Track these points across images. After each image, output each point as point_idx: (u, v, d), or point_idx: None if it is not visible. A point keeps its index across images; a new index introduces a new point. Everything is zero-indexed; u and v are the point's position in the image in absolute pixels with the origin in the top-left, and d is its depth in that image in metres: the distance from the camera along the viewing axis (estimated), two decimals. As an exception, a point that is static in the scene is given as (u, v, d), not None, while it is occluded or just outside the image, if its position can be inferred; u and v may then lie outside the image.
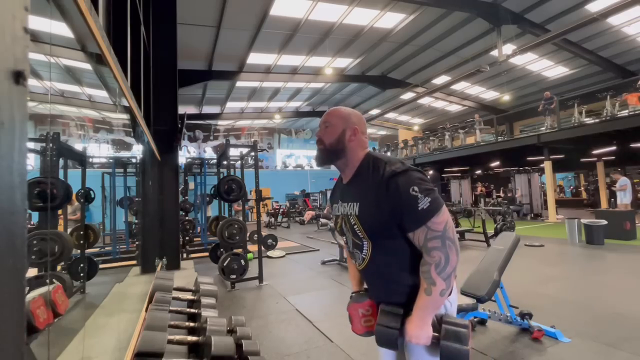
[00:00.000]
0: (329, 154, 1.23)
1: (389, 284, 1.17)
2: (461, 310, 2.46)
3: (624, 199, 9.33)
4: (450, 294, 1.15)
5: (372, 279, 1.24)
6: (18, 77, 0.42)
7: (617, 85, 10.65)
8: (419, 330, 1.06)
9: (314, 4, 8.22)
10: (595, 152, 12.43)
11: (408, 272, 1.13)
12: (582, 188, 20.49)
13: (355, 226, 1.17)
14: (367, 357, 2.58)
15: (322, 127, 1.24)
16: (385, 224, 1.10)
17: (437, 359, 1.11)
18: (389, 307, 1.15)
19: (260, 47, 10.31)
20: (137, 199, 6.82)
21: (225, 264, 4.54)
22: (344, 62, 12.06)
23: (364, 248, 1.19)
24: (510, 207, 9.43)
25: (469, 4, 8.88)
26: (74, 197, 4.22)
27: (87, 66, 3.54)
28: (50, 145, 2.80)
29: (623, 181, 9.47)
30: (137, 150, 6.36)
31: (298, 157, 21.32)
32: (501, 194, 15.26)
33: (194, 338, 2.09)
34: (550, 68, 12.86)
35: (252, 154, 5.21)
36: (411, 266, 1.12)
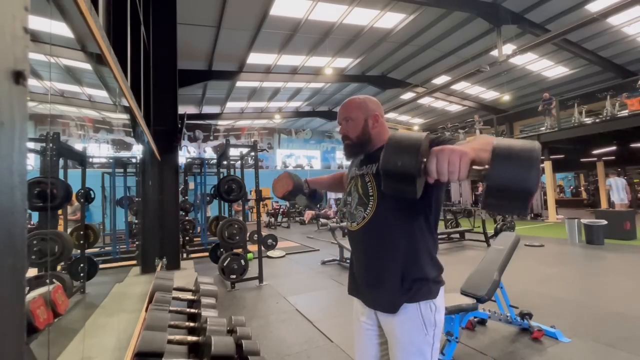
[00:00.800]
0: (358, 147, 1.25)
1: (383, 247, 1.15)
2: (461, 310, 2.46)
3: (617, 199, 9.33)
4: (437, 296, 1.11)
5: (366, 240, 1.20)
6: (18, 77, 0.42)
7: (617, 85, 10.65)
8: (458, 147, 0.77)
9: (314, 4, 8.21)
10: (595, 152, 12.43)
11: (406, 239, 1.11)
12: (582, 188, 20.49)
13: (369, 183, 1.17)
14: (367, 357, 2.57)
15: (344, 123, 1.25)
16: None
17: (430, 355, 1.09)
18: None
19: (260, 47, 10.30)
20: (137, 199, 6.82)
21: (225, 264, 4.54)
22: (344, 62, 12.05)
23: (369, 207, 1.17)
24: None
25: (469, 4, 8.88)
26: (74, 197, 4.22)
27: (87, 66, 3.54)
28: (50, 145, 2.80)
29: (607, 182, 9.52)
30: (137, 150, 6.36)
31: (298, 157, 21.31)
32: None
33: (194, 338, 2.09)
34: (550, 68, 12.85)
35: (252, 154, 5.21)
36: (411, 235, 1.11)
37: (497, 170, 0.69)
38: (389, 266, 1.13)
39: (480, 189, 15.66)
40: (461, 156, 0.73)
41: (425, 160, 0.78)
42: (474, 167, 0.75)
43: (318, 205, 1.77)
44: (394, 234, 1.13)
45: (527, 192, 0.68)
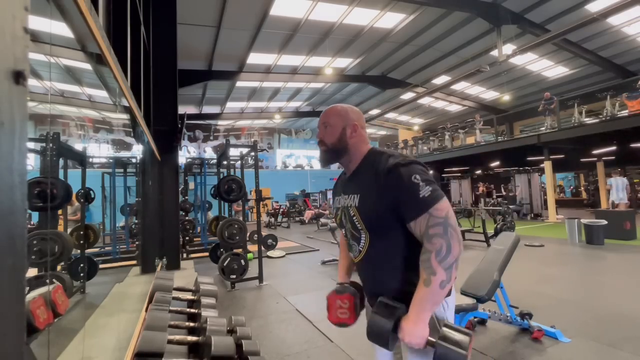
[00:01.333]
0: (333, 154, 1.23)
1: (384, 277, 1.16)
2: (461, 310, 2.46)
3: (617, 198, 9.45)
4: (449, 294, 1.13)
5: (368, 272, 1.22)
6: (18, 77, 0.42)
7: (617, 85, 10.65)
8: (414, 326, 1.00)
9: (314, 4, 8.22)
10: (595, 152, 12.43)
11: (404, 267, 1.12)
12: (582, 188, 20.49)
13: (355, 217, 1.17)
14: (366, 357, 2.58)
15: (322, 128, 1.24)
16: (384, 214, 1.09)
17: None
18: (388, 299, 1.09)
19: (260, 47, 10.31)
20: (137, 199, 6.82)
21: (225, 264, 4.54)
22: (344, 62, 12.06)
23: (362, 240, 1.18)
24: (510, 206, 9.46)
25: (469, 4, 8.88)
26: (74, 197, 4.22)
27: (87, 66, 3.54)
28: (50, 145, 2.80)
29: (608, 182, 9.70)
30: (137, 150, 6.36)
31: (298, 157, 21.32)
32: (502, 192, 15.32)
33: (194, 338, 2.09)
34: (550, 68, 12.86)
35: (252, 154, 5.21)
36: (407, 260, 1.11)
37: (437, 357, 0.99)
38: (393, 289, 1.14)
39: (480, 188, 15.67)
40: (419, 343, 1.01)
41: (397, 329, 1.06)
42: (430, 339, 1.01)
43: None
44: (394, 259, 1.13)
45: None
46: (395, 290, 1.13)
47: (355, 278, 1.35)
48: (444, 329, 1.02)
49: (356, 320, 1.29)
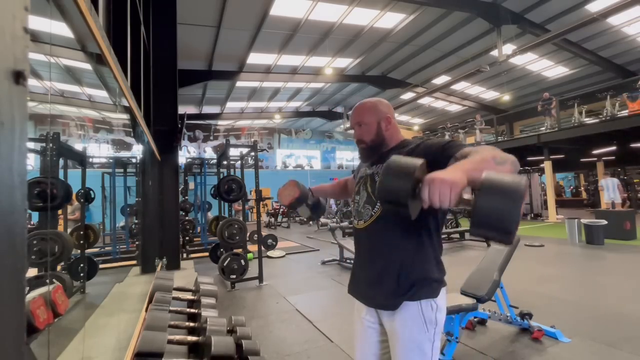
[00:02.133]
0: (373, 150, 1.27)
1: (388, 245, 1.16)
2: (461, 310, 2.46)
3: (608, 197, 9.83)
4: (437, 295, 1.12)
5: (372, 237, 1.22)
6: (18, 77, 0.42)
7: (617, 85, 10.65)
8: (448, 172, 0.81)
9: (314, 4, 8.21)
10: (595, 152, 12.43)
11: (413, 239, 1.13)
12: (582, 188, 20.48)
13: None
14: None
15: (357, 127, 1.27)
16: None
17: (430, 353, 1.09)
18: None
19: (260, 47, 10.30)
20: (137, 199, 6.82)
21: (225, 264, 4.54)
22: (344, 62, 12.05)
23: (377, 205, 1.19)
24: None
25: (469, 4, 8.88)
26: (74, 197, 4.22)
27: (87, 66, 3.54)
28: (50, 145, 2.80)
29: (600, 183, 10.13)
30: (137, 150, 6.36)
31: (298, 157, 21.31)
32: None
33: (194, 338, 2.09)
34: (550, 68, 12.85)
35: (252, 154, 5.21)
36: (418, 235, 1.12)
37: (480, 204, 0.74)
38: (391, 264, 1.14)
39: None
40: (451, 186, 0.77)
41: (420, 186, 0.83)
42: (464, 197, 0.79)
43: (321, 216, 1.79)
44: (401, 233, 1.14)
45: (504, 228, 0.73)
46: (397, 265, 1.13)
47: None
48: (485, 175, 0.78)
49: (290, 203, 1.50)
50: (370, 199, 1.22)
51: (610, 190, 9.87)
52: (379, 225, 1.18)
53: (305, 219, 14.91)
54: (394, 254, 1.15)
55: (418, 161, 0.85)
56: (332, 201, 17.54)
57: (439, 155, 1.02)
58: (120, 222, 7.94)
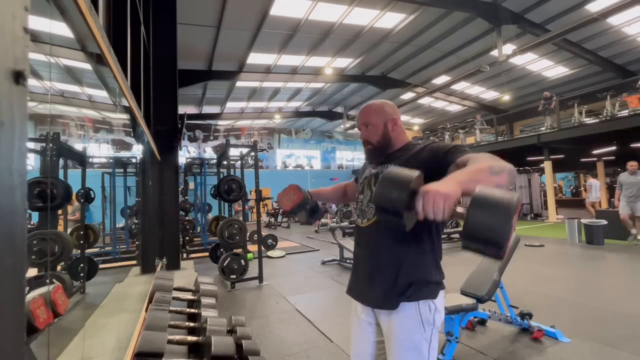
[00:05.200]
0: (379, 150, 1.28)
1: (389, 245, 1.17)
2: (461, 310, 2.46)
3: (594, 197, 10.76)
4: (436, 296, 1.13)
5: (374, 237, 1.22)
6: (18, 77, 0.42)
7: (617, 85, 10.65)
8: (442, 184, 0.82)
9: (314, 4, 8.21)
10: (595, 152, 12.42)
11: (414, 241, 1.13)
12: (582, 188, 20.47)
13: None
14: (367, 357, 2.57)
15: (363, 129, 1.28)
16: None
17: (427, 353, 1.09)
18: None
19: (260, 47, 10.30)
20: (137, 199, 6.82)
21: (225, 264, 4.54)
22: (344, 62, 12.05)
23: None
24: None
25: (469, 4, 8.88)
26: (74, 197, 4.21)
27: (87, 66, 3.54)
28: (50, 145, 2.80)
29: (588, 183, 11.12)
30: (137, 150, 6.36)
31: (298, 157, 21.31)
32: None
33: (194, 338, 2.09)
34: (550, 68, 12.85)
35: (252, 154, 5.21)
36: (419, 237, 1.13)
37: (472, 219, 0.75)
38: (391, 263, 1.15)
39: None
40: (445, 199, 0.78)
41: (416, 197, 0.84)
42: (458, 210, 0.80)
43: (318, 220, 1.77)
44: (402, 235, 1.13)
45: (495, 244, 0.73)
46: (397, 265, 1.13)
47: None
48: (478, 190, 0.79)
49: (291, 209, 1.48)
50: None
51: (597, 190, 10.75)
52: (381, 224, 1.19)
53: (301, 223, 14.93)
54: (394, 253, 1.15)
55: (414, 173, 0.86)
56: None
57: (442, 160, 1.05)
58: (120, 222, 7.93)
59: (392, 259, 1.15)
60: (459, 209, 0.80)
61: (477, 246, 0.78)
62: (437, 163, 1.05)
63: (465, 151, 1.02)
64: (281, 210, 14.65)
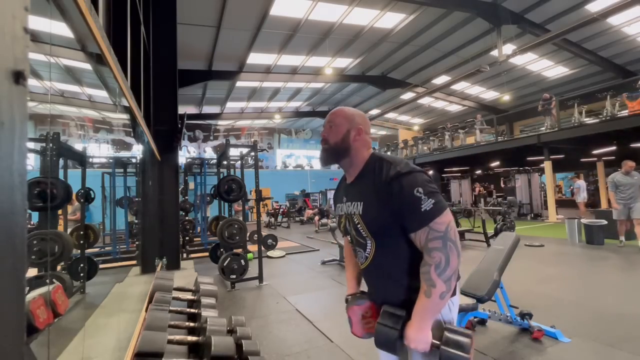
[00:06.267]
0: (334, 153, 1.24)
1: (390, 284, 1.17)
2: (461, 310, 2.46)
3: (581, 197, 11.21)
4: (454, 294, 1.14)
5: (374, 279, 1.24)
6: (18, 77, 0.42)
7: (617, 85, 10.64)
8: (418, 333, 1.04)
9: (314, 4, 8.22)
10: (595, 152, 12.42)
11: (410, 273, 1.12)
12: (570, 189, 20.44)
13: (359, 225, 1.17)
14: (367, 357, 2.58)
15: (327, 127, 1.26)
16: (388, 224, 1.10)
17: None
18: (392, 307, 1.13)
19: (260, 47, 10.31)
20: (136, 199, 6.82)
21: (225, 264, 4.54)
22: (344, 62, 12.06)
23: (367, 247, 1.19)
24: (508, 198, 9.71)
25: (469, 4, 8.88)
26: (74, 197, 4.21)
27: (87, 66, 3.54)
28: (50, 145, 2.80)
29: (577, 184, 11.56)
30: (137, 150, 6.36)
31: (298, 157, 21.32)
32: (502, 184, 15.47)
33: (194, 338, 2.09)
34: (550, 68, 12.86)
35: (252, 154, 5.21)
36: (413, 267, 1.11)
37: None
38: (402, 301, 1.13)
39: (477, 189, 15.66)
40: (420, 347, 1.05)
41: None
42: (434, 342, 1.05)
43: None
44: (400, 266, 1.14)
45: None
46: (402, 297, 1.14)
47: (363, 286, 1.36)
48: (446, 333, 1.05)
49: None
50: (359, 242, 1.21)
51: (584, 191, 11.34)
52: (375, 265, 1.19)
53: (297, 209, 14.77)
54: (402, 283, 1.14)
55: (399, 321, 1.10)
56: (332, 201, 17.54)
57: (408, 221, 1.07)
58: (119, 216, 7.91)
59: (404, 289, 1.14)
60: (435, 342, 1.05)
61: None
62: (402, 219, 1.07)
63: (422, 224, 1.03)
64: (281, 210, 14.68)
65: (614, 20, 9.20)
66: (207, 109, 16.40)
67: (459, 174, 16.80)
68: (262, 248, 5.14)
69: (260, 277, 4.78)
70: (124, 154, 7.99)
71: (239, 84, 12.77)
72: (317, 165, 21.51)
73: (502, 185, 15.22)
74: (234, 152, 6.64)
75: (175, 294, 2.76)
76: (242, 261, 4.66)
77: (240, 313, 3.55)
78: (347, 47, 10.67)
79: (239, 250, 4.94)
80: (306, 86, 14.01)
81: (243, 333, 2.12)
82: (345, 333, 2.94)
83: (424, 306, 1.04)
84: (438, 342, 1.04)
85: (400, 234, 1.10)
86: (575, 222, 7.20)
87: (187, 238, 7.19)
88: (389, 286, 1.17)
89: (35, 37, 1.49)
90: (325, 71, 11.82)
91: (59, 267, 3.06)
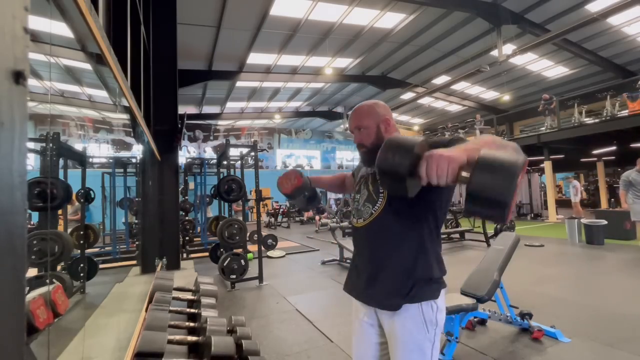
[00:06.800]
0: (374, 153, 1.25)
1: (388, 244, 1.16)
2: (461, 310, 2.46)
3: (576, 198, 11.29)
4: (438, 297, 1.12)
5: (372, 236, 1.21)
6: (18, 77, 0.42)
7: (617, 85, 10.65)
8: (450, 151, 0.82)
9: (314, 4, 8.21)
10: (595, 152, 12.42)
11: (415, 238, 1.13)
12: (582, 188, 20.46)
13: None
14: (367, 357, 2.57)
15: (356, 132, 1.26)
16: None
17: (430, 353, 1.10)
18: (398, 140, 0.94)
19: (260, 47, 10.30)
20: (137, 199, 6.82)
21: (225, 264, 4.54)
22: (344, 62, 12.05)
23: (377, 204, 1.19)
24: None
25: (469, 4, 8.88)
26: (74, 197, 4.22)
27: (87, 66, 3.54)
28: (50, 145, 2.80)
29: (572, 185, 11.72)
30: (137, 150, 6.36)
31: (298, 157, 21.31)
32: None
33: (194, 338, 2.09)
34: (550, 68, 12.85)
35: (252, 154, 5.21)
36: (419, 234, 1.12)
37: (476, 179, 0.73)
38: (392, 263, 1.14)
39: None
40: (449, 162, 0.78)
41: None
42: (462, 173, 0.78)
43: (319, 208, 1.77)
44: (402, 232, 1.14)
45: (500, 203, 0.72)
46: (398, 264, 1.13)
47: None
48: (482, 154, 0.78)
49: (291, 192, 1.48)
50: (371, 197, 1.21)
51: (578, 191, 11.42)
52: (378, 224, 1.18)
53: (297, 209, 14.90)
54: (394, 252, 1.15)
55: (418, 138, 0.87)
56: (332, 201, 17.55)
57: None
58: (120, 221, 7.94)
59: (392, 258, 1.15)
60: (464, 173, 0.78)
61: (481, 208, 0.76)
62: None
63: (465, 140, 1.02)
64: (281, 210, 14.67)
65: (614, 20, 9.19)
66: (207, 109, 16.40)
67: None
68: (262, 248, 5.14)
69: (260, 277, 4.78)
70: (124, 153, 7.99)
71: (239, 84, 12.76)
72: (317, 165, 21.53)
73: None
74: (234, 152, 6.64)
75: (175, 294, 2.76)
76: (242, 261, 4.66)
77: (240, 313, 3.55)
78: (347, 47, 10.67)
79: (239, 250, 4.94)
80: (306, 86, 14.01)
81: (243, 333, 2.12)
82: (345, 333, 2.94)
83: (463, 144, 0.89)
84: (466, 175, 0.77)
85: (419, 203, 1.08)
86: (575, 222, 7.20)
87: (187, 238, 7.19)
88: (386, 248, 1.17)
89: (35, 37, 1.49)
90: (325, 71, 11.81)
91: (59, 267, 3.06)
